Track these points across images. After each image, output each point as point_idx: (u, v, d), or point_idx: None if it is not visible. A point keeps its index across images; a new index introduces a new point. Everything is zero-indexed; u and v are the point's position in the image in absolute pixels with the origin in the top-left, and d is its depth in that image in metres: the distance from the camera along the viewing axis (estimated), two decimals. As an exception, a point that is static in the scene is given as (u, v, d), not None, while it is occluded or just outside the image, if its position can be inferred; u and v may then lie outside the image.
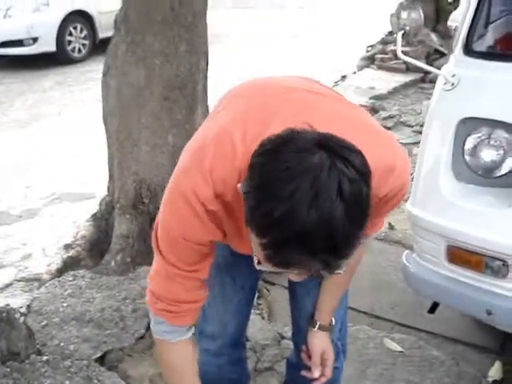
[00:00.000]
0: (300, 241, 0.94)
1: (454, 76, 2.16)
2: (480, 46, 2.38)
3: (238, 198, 1.11)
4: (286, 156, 0.96)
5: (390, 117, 5.37)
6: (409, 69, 6.67)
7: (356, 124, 1.26)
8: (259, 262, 1.06)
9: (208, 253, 1.32)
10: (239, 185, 1.06)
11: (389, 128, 5.16)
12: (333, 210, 0.93)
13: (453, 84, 2.15)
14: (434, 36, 7.10)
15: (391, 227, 3.54)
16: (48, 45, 7.93)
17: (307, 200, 0.93)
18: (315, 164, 0.94)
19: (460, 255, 2.08)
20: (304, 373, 1.66)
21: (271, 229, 0.95)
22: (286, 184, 0.94)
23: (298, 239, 0.94)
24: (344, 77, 6.76)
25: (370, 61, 7.23)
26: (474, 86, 2.16)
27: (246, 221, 1.01)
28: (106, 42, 2.93)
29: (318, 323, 1.64)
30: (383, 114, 5.44)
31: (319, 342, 1.64)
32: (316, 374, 1.63)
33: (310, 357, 1.67)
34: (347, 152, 0.98)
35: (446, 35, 7.01)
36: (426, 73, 6.39)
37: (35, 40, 7.87)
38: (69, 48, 8.15)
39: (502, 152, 2.10)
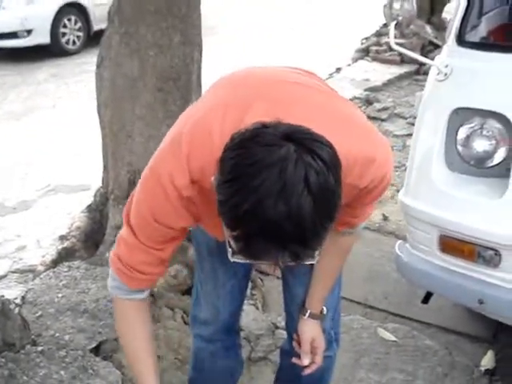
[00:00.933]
0: (268, 233, 0.96)
1: (446, 66, 2.17)
2: (473, 36, 2.39)
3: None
4: (253, 150, 0.98)
5: (385, 108, 5.37)
6: (403, 61, 6.67)
7: (337, 116, 1.27)
8: (233, 253, 1.08)
9: (176, 236, 1.35)
10: (212, 178, 1.07)
11: (383, 120, 5.17)
12: (300, 202, 0.94)
13: (446, 74, 2.16)
14: (428, 28, 7.10)
15: (385, 218, 3.56)
16: (42, 37, 7.90)
17: (274, 193, 0.94)
18: (281, 157, 0.96)
19: (452, 245, 2.10)
20: (295, 360, 1.68)
21: (240, 222, 0.97)
22: (253, 178, 0.95)
23: (266, 232, 0.96)
24: (339, 69, 6.76)
25: (364, 53, 7.23)
26: (467, 77, 2.16)
27: (219, 213, 1.02)
28: (100, 33, 2.92)
29: (309, 311, 1.66)
30: (377, 105, 5.45)
31: (309, 330, 1.66)
32: (305, 361, 1.64)
33: (300, 344, 1.68)
34: (315, 144, 0.99)
35: (441, 27, 7.01)
36: (421, 64, 6.39)
37: (29, 32, 7.84)
38: (63, 40, 8.13)
39: (494, 142, 2.11)
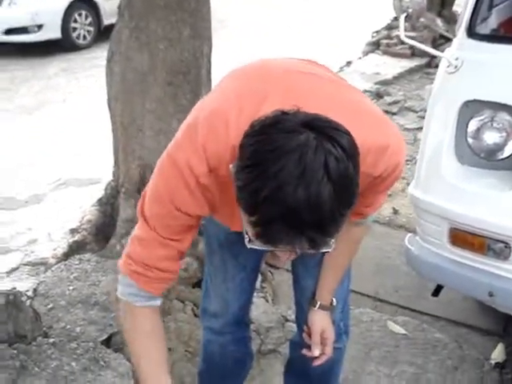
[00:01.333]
0: (287, 219, 0.96)
1: (457, 59, 2.16)
2: (483, 28, 2.38)
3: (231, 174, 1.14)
4: (273, 136, 0.98)
5: (395, 102, 5.36)
6: (414, 54, 6.64)
7: (350, 105, 1.27)
8: (250, 240, 1.08)
9: (193, 225, 1.33)
10: (231, 165, 1.08)
11: (394, 113, 5.15)
12: (320, 188, 0.95)
13: (456, 67, 2.15)
14: (439, 21, 7.06)
15: (395, 212, 3.55)
16: (53, 32, 7.93)
17: (294, 178, 0.95)
18: (301, 143, 0.96)
19: (462, 237, 2.09)
20: (304, 351, 1.68)
21: (259, 207, 0.98)
22: (273, 163, 0.96)
23: (285, 217, 0.96)
24: (349, 62, 6.74)
25: (375, 46, 7.20)
26: (477, 69, 2.16)
27: (237, 200, 1.03)
28: (110, 28, 2.92)
29: (319, 303, 1.66)
30: (388, 99, 5.43)
31: (319, 321, 1.66)
32: (316, 352, 1.64)
33: (310, 335, 1.68)
34: (335, 132, 1.00)
35: (452, 20, 6.96)
36: (432, 58, 6.36)
37: (40, 27, 7.87)
38: (74, 35, 8.15)
39: (504, 134, 2.10)
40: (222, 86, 1.35)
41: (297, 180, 0.94)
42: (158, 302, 1.41)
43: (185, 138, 1.24)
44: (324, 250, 1.05)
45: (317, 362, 1.66)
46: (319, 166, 0.95)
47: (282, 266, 2.85)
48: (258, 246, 1.06)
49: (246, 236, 1.09)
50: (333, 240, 1.04)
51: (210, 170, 1.20)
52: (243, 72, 1.36)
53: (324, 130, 0.99)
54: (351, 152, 1.00)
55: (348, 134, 1.02)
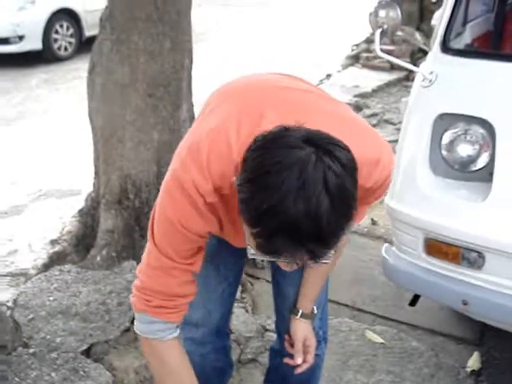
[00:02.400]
0: (288, 231, 1.00)
1: (431, 73, 2.22)
2: (457, 43, 2.45)
3: (234, 191, 1.16)
4: (275, 151, 1.02)
5: (374, 115, 5.42)
6: (393, 67, 6.73)
7: (343, 120, 1.31)
8: (252, 252, 1.11)
9: (202, 246, 1.36)
10: (234, 178, 1.12)
11: (373, 125, 5.20)
12: (319, 202, 0.98)
13: (430, 81, 2.21)
14: (418, 35, 7.17)
15: (373, 223, 3.60)
16: (34, 43, 7.92)
17: (294, 191, 0.99)
18: (301, 158, 1.00)
19: (437, 247, 2.14)
20: (287, 360, 1.71)
21: (261, 219, 1.01)
22: (275, 177, 1.00)
23: (285, 229, 1.00)
24: (329, 75, 6.81)
25: (354, 59, 7.29)
26: (451, 83, 2.22)
27: (240, 212, 1.07)
28: (92, 40, 2.94)
29: (301, 311, 1.69)
30: (367, 111, 5.50)
31: (301, 330, 1.69)
32: (299, 360, 1.67)
33: (292, 344, 1.71)
34: (334, 147, 1.04)
35: (431, 34, 7.02)
36: (411, 71, 6.44)
37: (21, 38, 7.85)
38: (55, 46, 8.14)
39: (477, 147, 2.16)
40: (217, 105, 1.36)
41: (297, 193, 0.99)
42: (178, 331, 1.44)
43: (188, 159, 1.25)
44: (324, 262, 1.08)
45: (298, 370, 1.69)
46: (318, 179, 0.99)
47: (264, 276, 2.87)
48: (259, 256, 1.10)
49: (249, 248, 1.12)
50: (331, 251, 1.07)
51: (214, 188, 1.23)
52: (233, 91, 1.39)
53: (324, 146, 1.03)
54: (350, 167, 1.04)
55: (347, 149, 1.06)
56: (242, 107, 1.28)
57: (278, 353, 1.83)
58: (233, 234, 1.39)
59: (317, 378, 1.95)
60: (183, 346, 1.85)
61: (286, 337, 1.73)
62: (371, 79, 6.48)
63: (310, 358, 1.69)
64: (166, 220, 1.29)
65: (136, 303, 1.39)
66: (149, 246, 1.35)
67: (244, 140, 1.16)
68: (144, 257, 1.38)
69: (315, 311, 1.72)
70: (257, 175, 1.02)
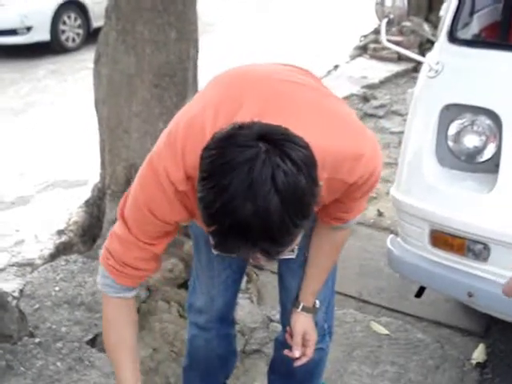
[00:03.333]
0: (238, 231, 1.00)
1: (438, 63, 2.20)
2: (464, 33, 2.42)
3: None
4: (226, 150, 1.02)
5: (382, 106, 5.40)
6: (401, 58, 6.68)
7: (326, 114, 1.30)
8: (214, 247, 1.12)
9: (171, 231, 1.38)
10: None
11: (380, 117, 5.20)
12: (267, 201, 0.98)
13: (437, 71, 2.19)
14: (426, 26, 7.12)
15: (380, 214, 3.59)
16: (42, 34, 7.92)
17: (242, 192, 0.98)
18: (250, 157, 1.00)
19: (443, 239, 2.13)
20: (286, 352, 1.71)
21: (213, 219, 1.02)
22: (223, 177, 1.00)
23: (236, 230, 1.00)
24: (337, 66, 6.78)
25: (362, 50, 7.25)
26: (458, 73, 2.20)
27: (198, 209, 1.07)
28: (99, 31, 2.94)
29: (302, 304, 1.68)
30: (375, 102, 5.48)
31: (301, 323, 1.68)
32: (296, 353, 1.66)
33: (292, 337, 1.71)
34: (287, 145, 1.02)
35: (439, 25, 7.01)
36: (419, 62, 6.40)
37: (29, 29, 7.86)
38: (63, 37, 8.14)
39: (484, 138, 2.14)
40: (200, 95, 1.39)
41: (245, 193, 0.98)
42: (132, 294, 1.46)
43: (165, 146, 1.28)
44: (285, 257, 1.08)
45: (297, 363, 1.68)
46: (266, 179, 0.98)
47: (265, 266, 2.87)
48: (220, 253, 1.10)
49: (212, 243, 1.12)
50: (292, 248, 1.08)
51: (187, 177, 1.23)
52: (224, 79, 1.39)
53: (277, 143, 1.02)
54: (304, 164, 1.02)
55: (304, 147, 1.05)
56: (224, 96, 1.29)
57: (283, 344, 1.83)
58: None
59: (320, 371, 1.96)
60: (189, 330, 1.89)
61: (288, 329, 1.73)
62: (379, 70, 6.45)
63: (309, 352, 1.68)
64: (135, 202, 1.33)
65: (100, 258, 1.44)
66: (118, 218, 1.38)
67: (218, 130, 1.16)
68: (115, 224, 1.42)
69: (317, 305, 1.71)
70: (208, 174, 1.03)
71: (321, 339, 1.77)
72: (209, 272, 1.75)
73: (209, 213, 1.02)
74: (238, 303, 2.69)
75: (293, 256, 1.09)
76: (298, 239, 1.07)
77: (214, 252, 1.14)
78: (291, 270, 1.70)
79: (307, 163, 1.03)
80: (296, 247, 1.08)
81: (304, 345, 1.68)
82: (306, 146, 1.05)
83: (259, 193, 0.98)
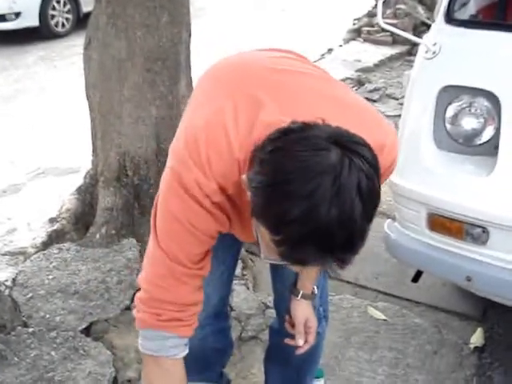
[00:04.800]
0: (318, 239, 0.94)
1: (435, 44, 2.17)
2: (462, 14, 2.38)
3: (239, 190, 1.11)
4: (301, 154, 0.95)
5: (376, 89, 5.36)
6: (395, 41, 6.65)
7: (346, 106, 1.25)
8: (266, 256, 1.06)
9: (210, 248, 1.29)
10: (243, 176, 1.04)
11: (374, 100, 5.16)
12: (353, 208, 0.93)
13: (434, 52, 2.16)
14: (420, 8, 7.07)
15: (376, 198, 3.56)
16: (31, 19, 7.83)
17: (328, 199, 0.92)
18: (334, 162, 0.94)
19: (441, 223, 2.10)
20: (287, 341, 1.67)
21: (287, 227, 0.94)
22: (305, 183, 0.93)
23: (316, 238, 0.93)
24: (330, 50, 6.73)
25: (356, 33, 7.20)
26: (455, 55, 2.16)
27: (256, 216, 1.00)
28: (89, 16, 2.88)
29: (301, 292, 1.64)
30: (369, 86, 5.44)
31: (302, 311, 1.64)
32: (300, 342, 1.63)
33: (293, 325, 1.67)
34: (359, 147, 0.98)
35: (433, 7, 6.95)
36: (413, 45, 6.37)
37: (18, 15, 7.76)
38: (52, 22, 8.05)
39: (482, 120, 2.11)
40: (207, 90, 1.29)
41: (331, 200, 0.92)
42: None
43: (189, 156, 1.17)
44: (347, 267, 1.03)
45: (300, 351, 1.65)
46: (353, 185, 0.93)
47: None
48: (276, 261, 1.03)
49: (263, 252, 1.06)
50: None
51: (219, 187, 1.15)
52: (224, 75, 1.30)
53: (350, 146, 0.97)
54: (376, 165, 0.99)
55: (369, 147, 1.00)
56: (237, 95, 1.20)
57: (278, 332, 1.80)
58: (240, 230, 1.31)
59: (318, 356, 1.93)
60: None
61: (287, 317, 1.69)
62: (373, 53, 6.41)
63: (312, 339, 1.65)
64: (173, 220, 1.20)
65: (144, 319, 1.28)
66: (154, 251, 1.24)
67: (244, 134, 1.09)
68: (147, 264, 1.27)
69: (315, 291, 1.67)
70: (281, 180, 0.95)
71: (317, 323, 1.72)
72: None
73: (281, 221, 0.94)
74: (233, 290, 2.67)
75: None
76: None
77: (265, 260, 1.05)
78: None
79: (376, 163, 0.99)
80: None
81: (306, 332, 1.64)
82: (370, 147, 1.01)
83: (346, 200, 0.93)
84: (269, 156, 0.98)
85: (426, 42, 2.20)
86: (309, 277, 1.63)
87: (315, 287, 1.67)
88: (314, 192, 0.92)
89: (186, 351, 1.36)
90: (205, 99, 1.28)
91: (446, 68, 2.15)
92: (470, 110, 2.12)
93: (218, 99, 1.22)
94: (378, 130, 1.27)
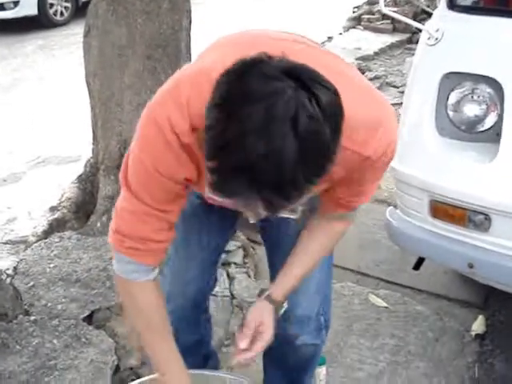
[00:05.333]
0: (244, 171, 0.89)
1: (437, 30, 2.15)
2: (464, 0, 2.37)
3: None
4: (249, 78, 0.91)
5: (376, 78, 5.35)
6: (395, 29, 6.63)
7: (345, 76, 1.19)
8: (208, 190, 1.00)
9: (180, 194, 1.25)
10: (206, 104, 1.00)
11: (375, 89, 5.15)
12: (283, 145, 0.87)
13: (436, 39, 2.14)
14: (420, -4, 7.04)
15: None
16: (29, 8, 7.80)
17: (258, 128, 0.87)
18: (274, 91, 0.88)
19: (443, 210, 2.10)
20: (236, 343, 1.44)
21: (219, 152, 0.91)
22: (242, 107, 0.89)
23: (241, 169, 0.89)
24: (330, 38, 6.71)
25: (356, 21, 7.18)
26: (458, 41, 2.15)
27: (203, 142, 0.96)
28: (88, 4, 2.87)
29: (267, 293, 1.45)
30: (369, 74, 5.42)
31: (259, 313, 1.43)
32: (241, 344, 1.39)
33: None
34: (317, 86, 0.91)
35: (434, -5, 6.94)
36: (413, 33, 6.35)
37: (16, 3, 7.73)
38: (51, 11, 8.02)
39: (485, 107, 2.10)
40: (205, 53, 1.28)
41: (260, 130, 0.87)
42: (155, 275, 1.36)
43: (165, 96, 1.15)
44: (286, 216, 0.99)
45: (238, 357, 1.41)
46: (287, 118, 0.87)
47: (254, 229, 2.79)
48: (215, 196, 0.98)
49: (206, 187, 1.01)
50: (295, 207, 0.98)
51: (192, 128, 1.11)
52: (229, 39, 1.29)
53: (306, 82, 0.90)
54: (331, 112, 0.91)
55: (335, 92, 0.93)
56: (229, 50, 1.17)
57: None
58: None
59: (313, 366, 1.82)
60: None
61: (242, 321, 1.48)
62: (373, 41, 6.38)
63: (259, 348, 1.41)
64: (138, 162, 1.20)
65: (113, 244, 1.32)
66: (122, 188, 1.26)
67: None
68: (119, 198, 1.29)
69: (285, 306, 1.49)
70: (223, 101, 0.91)
71: (316, 335, 1.64)
72: (184, 252, 1.61)
73: (216, 144, 0.91)
74: (234, 278, 2.67)
75: (294, 216, 0.99)
76: (304, 199, 0.95)
77: (207, 194, 1.01)
78: (282, 250, 1.53)
79: (335, 112, 0.92)
80: (299, 208, 0.97)
81: (256, 337, 1.41)
82: (336, 93, 0.94)
83: (276, 133, 0.87)
84: (221, 78, 0.95)
85: (428, 28, 2.19)
86: (285, 283, 1.46)
87: (286, 303, 1.49)
88: (246, 118, 0.88)
89: (151, 277, 1.34)
90: (199, 58, 1.28)
91: (449, 54, 2.14)
92: (472, 97, 2.11)
93: (209, 56, 1.22)
94: (377, 106, 1.21)
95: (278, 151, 0.87)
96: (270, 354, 1.79)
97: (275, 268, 1.55)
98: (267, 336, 1.41)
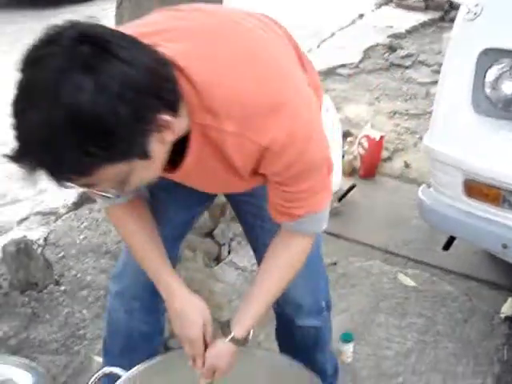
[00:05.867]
0: (22, 139, 0.90)
1: (476, 5, 2.09)
2: (505, -26, 2.30)
3: None
4: (37, 43, 0.92)
5: (408, 56, 5.25)
6: (428, 7, 6.49)
7: (257, 57, 1.09)
8: None
9: None
10: None
11: (407, 67, 5.07)
12: (49, 113, 0.86)
13: (475, 13, 2.08)
14: (455, -27, 6.89)
15: (406, 165, 3.52)
16: (60, -18, 7.79)
17: (24, 94, 0.89)
18: (46, 54, 0.89)
19: (477, 189, 2.06)
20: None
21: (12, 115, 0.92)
22: (21, 72, 0.91)
23: (21, 137, 0.91)
24: (362, 15, 6.59)
25: (388, -1, 7.05)
26: (498, 16, 2.09)
27: None
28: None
29: (232, 334, 1.35)
30: (401, 52, 5.33)
31: (219, 353, 1.36)
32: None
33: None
34: (107, 57, 0.90)
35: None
36: (446, 11, 6.23)
37: (46, -23, 7.72)
38: (82, -15, 8.00)
39: (523, 84, 2.05)
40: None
41: (26, 96, 0.89)
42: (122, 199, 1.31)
43: None
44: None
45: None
46: (49, 86, 0.87)
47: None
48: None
49: None
50: (112, 192, 1.03)
51: None
52: (179, 14, 1.29)
53: (100, 47, 0.90)
54: (121, 89, 0.89)
55: (142, 67, 0.92)
56: (152, 22, 1.23)
57: (278, 312, 1.67)
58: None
59: (322, 345, 1.74)
60: (108, 299, 1.66)
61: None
62: (405, 19, 6.26)
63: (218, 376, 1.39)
64: None
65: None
66: None
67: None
68: None
69: (250, 336, 1.40)
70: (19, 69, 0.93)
71: (315, 317, 1.61)
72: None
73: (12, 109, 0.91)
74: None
75: (111, 196, 1.06)
76: (103, 175, 0.95)
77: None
78: (264, 228, 1.47)
79: (130, 86, 0.90)
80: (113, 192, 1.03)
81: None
82: (145, 68, 0.92)
83: (40, 100, 0.87)
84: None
85: (467, 2, 2.13)
86: (249, 316, 1.37)
87: (252, 331, 1.40)
88: (21, 83, 0.89)
89: (124, 200, 1.31)
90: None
91: (487, 30, 2.08)
92: (510, 74, 2.06)
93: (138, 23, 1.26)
94: (276, 87, 1.07)
95: (21, 108, 0.89)
96: (277, 334, 1.79)
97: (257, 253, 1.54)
98: (219, 374, 1.38)
